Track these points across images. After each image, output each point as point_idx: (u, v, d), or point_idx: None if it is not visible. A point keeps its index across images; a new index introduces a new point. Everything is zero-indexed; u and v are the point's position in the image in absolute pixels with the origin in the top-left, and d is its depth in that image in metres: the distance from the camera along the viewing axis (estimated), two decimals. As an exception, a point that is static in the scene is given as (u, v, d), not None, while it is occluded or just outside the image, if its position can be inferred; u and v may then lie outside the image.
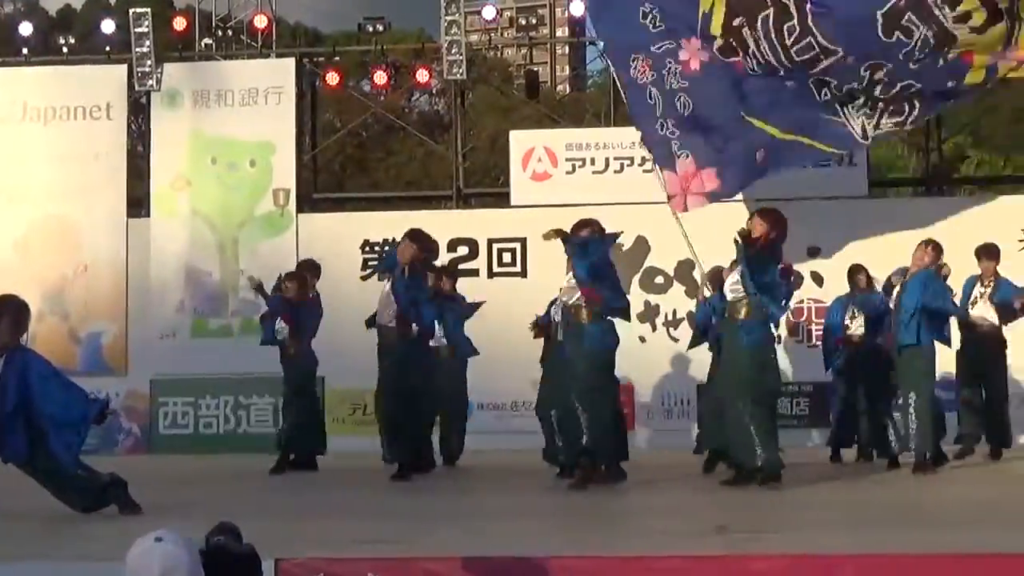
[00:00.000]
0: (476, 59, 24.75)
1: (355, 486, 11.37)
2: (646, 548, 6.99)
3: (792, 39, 12.21)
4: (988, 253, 12.92)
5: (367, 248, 16.46)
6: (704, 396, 13.57)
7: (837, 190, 15.77)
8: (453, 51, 16.84)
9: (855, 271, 13.07)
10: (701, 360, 14.52)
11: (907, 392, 11.48)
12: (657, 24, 12.98)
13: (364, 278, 16.11)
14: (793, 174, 15.12)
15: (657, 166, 13.15)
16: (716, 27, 12.66)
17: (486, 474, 12.58)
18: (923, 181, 18.98)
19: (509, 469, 12.20)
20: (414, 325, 11.55)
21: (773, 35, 12.27)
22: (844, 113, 12.56)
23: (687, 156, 13.05)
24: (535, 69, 22.48)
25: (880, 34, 11.81)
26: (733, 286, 10.39)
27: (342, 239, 16.46)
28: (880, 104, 12.40)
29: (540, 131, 18.02)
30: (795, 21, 12.13)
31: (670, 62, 12.90)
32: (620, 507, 9.70)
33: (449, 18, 16.85)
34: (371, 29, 17.93)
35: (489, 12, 18.74)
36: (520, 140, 17.01)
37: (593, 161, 16.49)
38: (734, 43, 12.55)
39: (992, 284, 12.80)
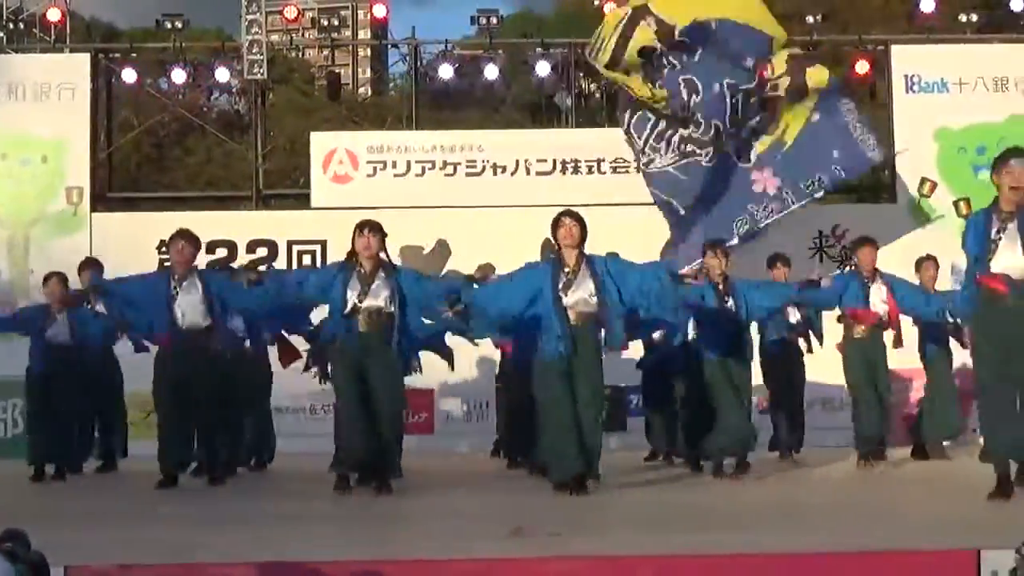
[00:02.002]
0: (277, 59, 24.49)
1: (150, 491, 11.12)
2: (440, 552, 6.98)
3: None
4: (785, 261, 13.33)
5: (163, 249, 16.13)
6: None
7: (636, 197, 15.96)
8: (254, 50, 16.63)
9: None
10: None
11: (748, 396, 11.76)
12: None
13: (160, 279, 15.76)
14: (591, 180, 15.44)
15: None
16: None
17: (284, 478, 12.44)
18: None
19: (308, 473, 12.07)
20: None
21: None
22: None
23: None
24: (337, 71, 22.28)
25: None
26: None
27: (138, 239, 16.12)
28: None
29: (341, 133, 17.92)
30: None
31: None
32: (416, 510, 9.68)
33: (250, 17, 16.64)
34: (169, 26, 17.57)
35: (291, 12, 18.54)
36: (321, 142, 16.90)
37: (395, 164, 16.46)
38: None
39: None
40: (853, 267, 12.96)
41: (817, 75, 14.05)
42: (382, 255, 10.37)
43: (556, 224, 10.26)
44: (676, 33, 13.36)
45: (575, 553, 6.83)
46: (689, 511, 9.31)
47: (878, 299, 12.41)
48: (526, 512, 9.12)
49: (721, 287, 11.57)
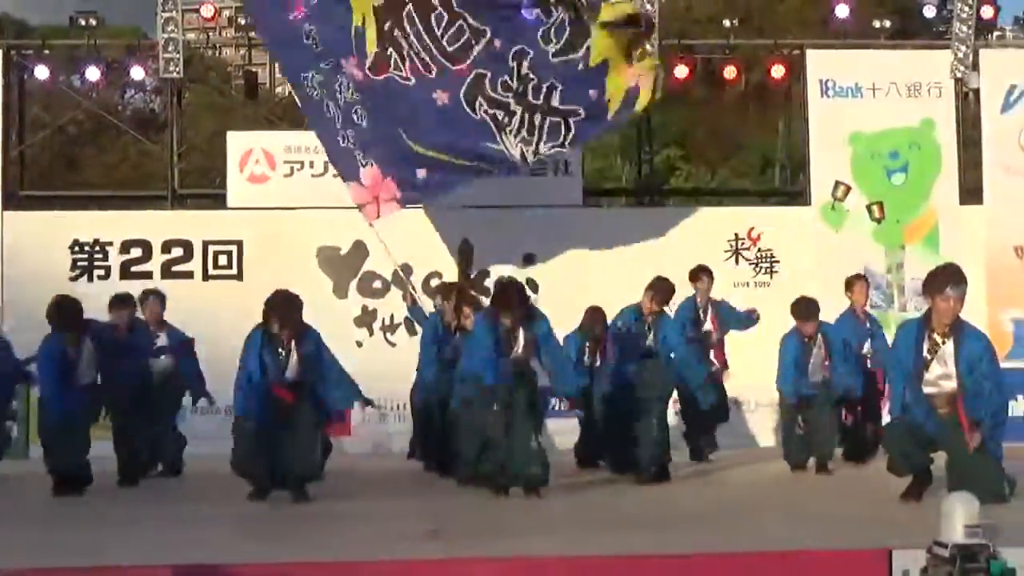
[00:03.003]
0: (193, 58, 24.25)
1: (59, 495, 10.97)
2: (358, 554, 6.96)
3: (442, 28, 12.58)
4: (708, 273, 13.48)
5: (77, 248, 15.92)
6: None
7: (552, 199, 16.04)
8: (170, 48, 16.46)
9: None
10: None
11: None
12: (318, 46, 13.13)
13: (73, 279, 15.57)
14: (508, 182, 15.41)
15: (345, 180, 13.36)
16: (371, 41, 12.90)
17: (202, 481, 12.30)
18: (635, 192, 19.52)
19: (224, 476, 11.95)
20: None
21: (422, 28, 12.61)
22: (502, 139, 12.94)
23: (371, 164, 13.22)
24: (254, 70, 22.10)
25: (523, 10, 12.36)
26: None
27: (51, 239, 15.89)
28: (536, 129, 12.83)
29: (258, 133, 17.75)
30: (441, 9, 12.51)
31: (340, 77, 13.07)
32: (333, 512, 9.63)
33: (166, 15, 16.45)
34: (83, 23, 17.32)
35: (207, 10, 18.37)
36: (238, 141, 16.74)
37: (312, 164, 16.33)
38: (390, 49, 12.78)
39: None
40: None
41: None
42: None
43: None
44: None
45: (493, 554, 6.83)
46: (610, 514, 9.35)
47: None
48: (443, 514, 9.11)
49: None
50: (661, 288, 11.93)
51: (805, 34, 21.99)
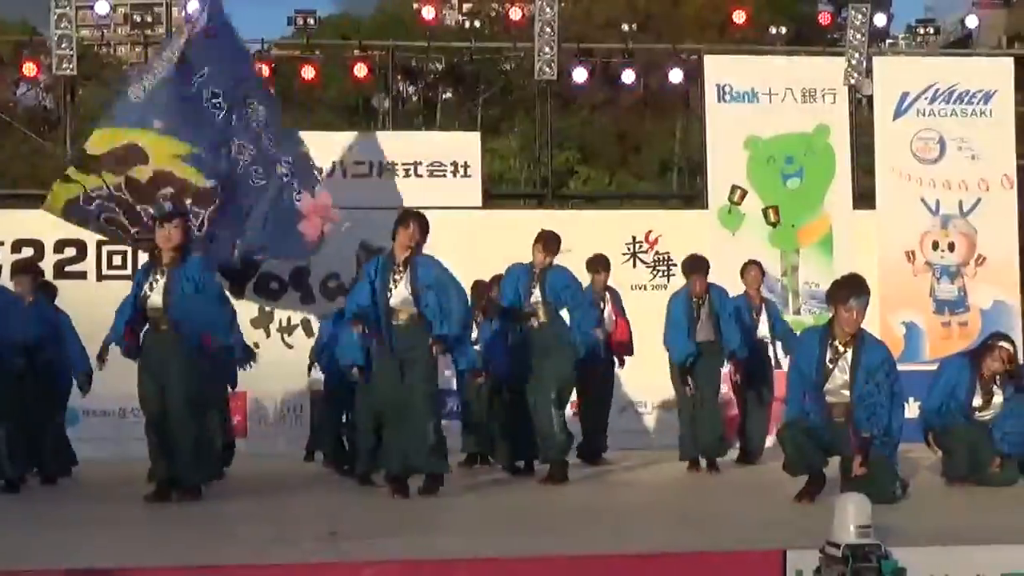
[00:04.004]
0: (88, 55, 23.94)
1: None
2: (255, 556, 6.90)
3: None
4: (606, 265, 13.51)
5: (-35, 246, 15.64)
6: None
7: (452, 200, 16.02)
8: (63, 45, 16.22)
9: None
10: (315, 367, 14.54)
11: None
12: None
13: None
14: (408, 184, 15.47)
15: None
16: None
17: (94, 483, 12.12)
18: (534, 194, 19.57)
19: (119, 478, 11.81)
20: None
21: None
22: None
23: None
24: (150, 68, 21.84)
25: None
26: None
27: (-60, 236, 15.59)
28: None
29: (154, 131, 17.51)
30: None
31: None
32: (229, 514, 9.55)
33: (59, 11, 16.21)
34: (-26, 18, 17.09)
35: (102, 7, 18.11)
36: (133, 140, 16.52)
37: (209, 164, 16.16)
38: None
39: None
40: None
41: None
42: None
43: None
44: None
45: (391, 556, 6.81)
46: (508, 514, 9.36)
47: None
48: (342, 515, 9.07)
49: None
50: (549, 237, 11.93)
51: (703, 39, 22.25)
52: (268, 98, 14.06)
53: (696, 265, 12.63)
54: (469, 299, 11.06)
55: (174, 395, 9.94)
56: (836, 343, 9.48)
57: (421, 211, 10.75)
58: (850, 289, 9.47)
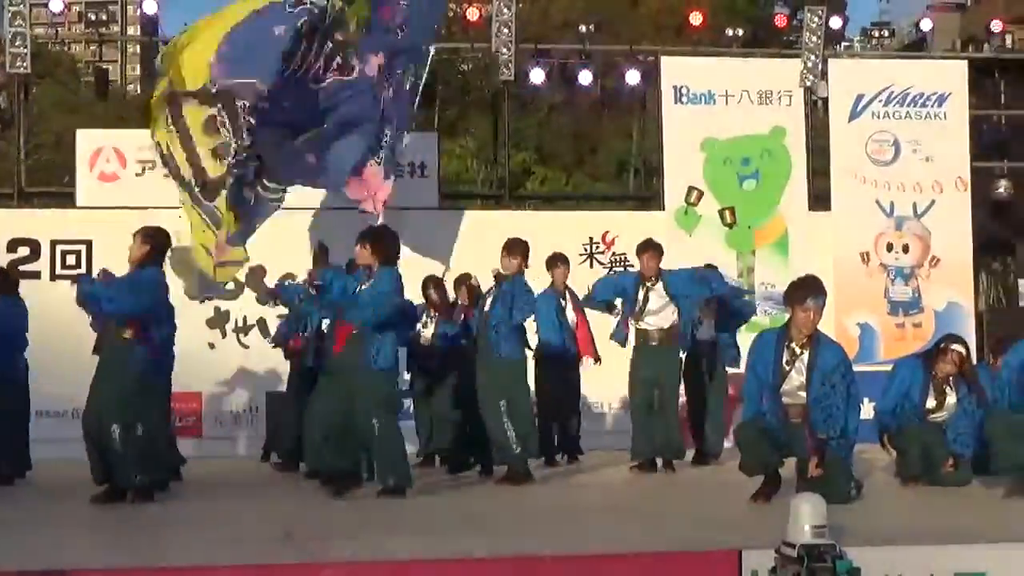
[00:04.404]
0: (42, 53, 23.78)
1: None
2: (208, 558, 6.87)
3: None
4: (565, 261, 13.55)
5: (-83, 246, 15.49)
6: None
7: (409, 200, 15.97)
8: (17, 43, 16.11)
9: None
10: (270, 367, 14.50)
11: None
12: None
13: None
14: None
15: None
16: None
17: (44, 484, 12.04)
18: (491, 195, 19.58)
19: (71, 479, 11.72)
20: None
21: None
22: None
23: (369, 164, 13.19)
24: (105, 67, 21.78)
25: None
26: None
27: None
28: None
29: (109, 131, 17.47)
30: None
31: None
32: (183, 515, 9.49)
33: (13, 8, 16.11)
34: (-75, 14, 16.92)
35: (56, 5, 18.02)
36: (88, 139, 16.43)
37: (165, 163, 16.08)
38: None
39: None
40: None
41: None
42: None
43: None
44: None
45: (348, 559, 6.80)
46: (466, 516, 9.35)
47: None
48: (297, 517, 9.04)
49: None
50: (517, 243, 11.88)
51: (660, 41, 22.34)
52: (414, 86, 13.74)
53: (646, 244, 12.73)
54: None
55: (102, 394, 9.99)
56: (793, 345, 9.52)
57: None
58: (807, 290, 9.52)
